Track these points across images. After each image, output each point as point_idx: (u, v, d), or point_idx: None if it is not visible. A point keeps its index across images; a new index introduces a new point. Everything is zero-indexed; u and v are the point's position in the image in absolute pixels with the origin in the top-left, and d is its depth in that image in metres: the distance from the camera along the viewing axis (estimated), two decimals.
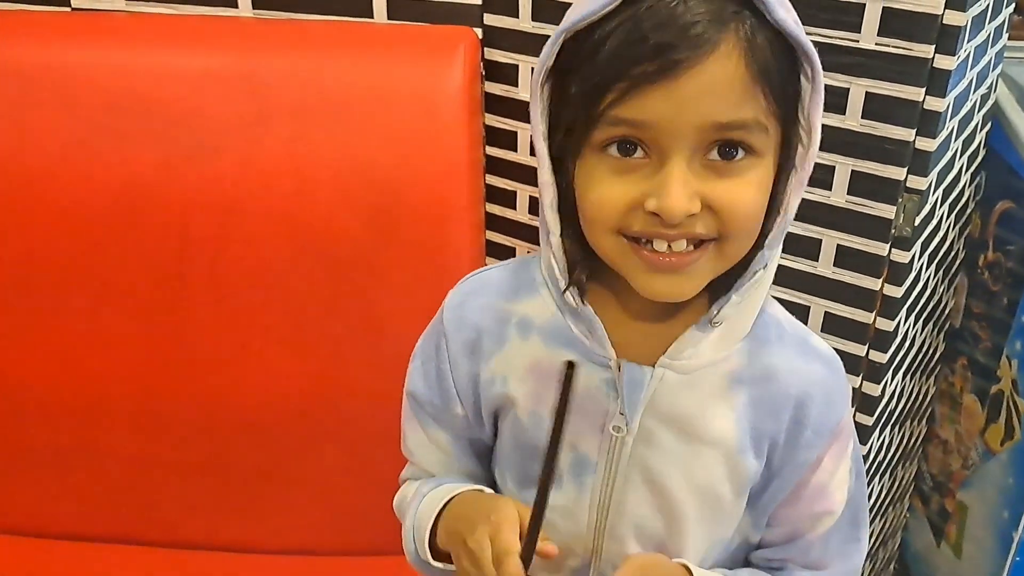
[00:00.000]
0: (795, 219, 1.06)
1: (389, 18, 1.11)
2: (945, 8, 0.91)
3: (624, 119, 0.57)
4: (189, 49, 1.09)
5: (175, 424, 1.11)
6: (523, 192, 1.18)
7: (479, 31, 1.10)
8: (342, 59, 1.07)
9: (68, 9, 1.14)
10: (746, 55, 0.56)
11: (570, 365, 0.58)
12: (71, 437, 1.12)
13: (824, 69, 0.97)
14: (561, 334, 0.68)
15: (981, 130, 1.21)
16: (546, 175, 0.63)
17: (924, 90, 0.94)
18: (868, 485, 1.24)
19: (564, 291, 0.66)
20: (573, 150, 0.61)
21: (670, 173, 0.57)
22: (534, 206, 1.18)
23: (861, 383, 1.12)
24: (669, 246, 0.60)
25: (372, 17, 1.11)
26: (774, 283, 1.11)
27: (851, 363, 1.11)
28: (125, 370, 1.10)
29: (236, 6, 1.12)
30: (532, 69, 0.65)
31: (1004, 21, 1.13)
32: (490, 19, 1.10)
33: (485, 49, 1.11)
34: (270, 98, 1.05)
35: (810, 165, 0.62)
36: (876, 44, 0.94)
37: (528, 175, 1.16)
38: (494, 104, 1.14)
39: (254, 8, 1.12)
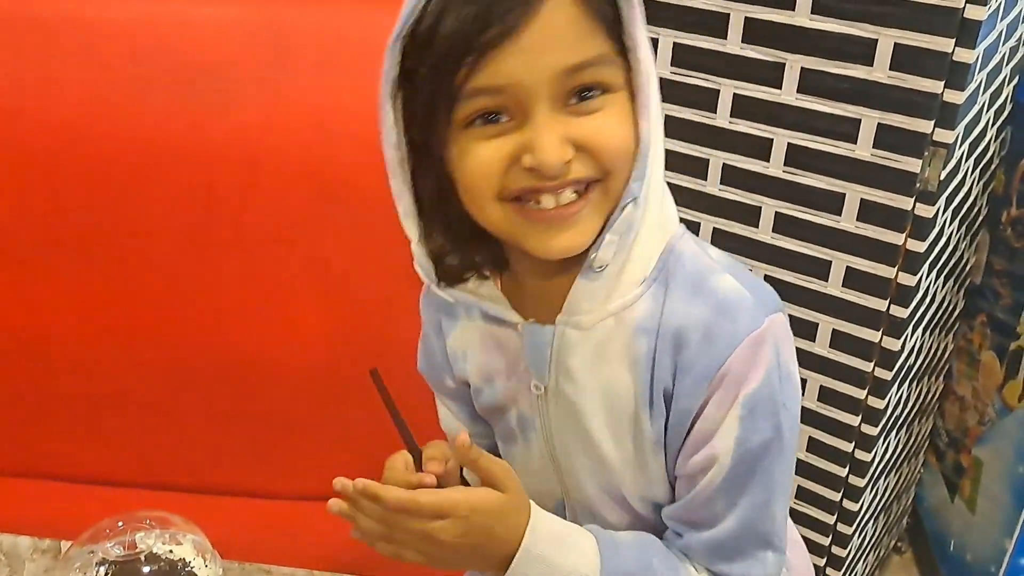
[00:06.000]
0: (818, 173, 1.07)
1: None
2: None
3: (482, 88, 0.58)
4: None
5: (200, 373, 1.13)
6: None
7: None
8: (365, 10, 1.06)
9: None
10: None
11: (372, 373, 0.64)
12: (100, 385, 1.14)
13: (851, 19, 0.98)
14: (493, 309, 0.71)
15: (1008, 84, 1.20)
16: (398, 184, 0.65)
17: (954, 41, 0.93)
18: (884, 439, 1.24)
19: (436, 286, 0.70)
20: (438, 140, 0.61)
21: (538, 126, 0.59)
22: None
23: (881, 338, 1.12)
24: (556, 201, 0.61)
25: None
26: (791, 236, 1.12)
27: (872, 318, 1.11)
28: (152, 320, 1.11)
29: None
30: None
31: None
32: None
33: None
34: (292, 49, 1.05)
35: (649, 88, 0.61)
36: None
37: None
38: None
39: None
